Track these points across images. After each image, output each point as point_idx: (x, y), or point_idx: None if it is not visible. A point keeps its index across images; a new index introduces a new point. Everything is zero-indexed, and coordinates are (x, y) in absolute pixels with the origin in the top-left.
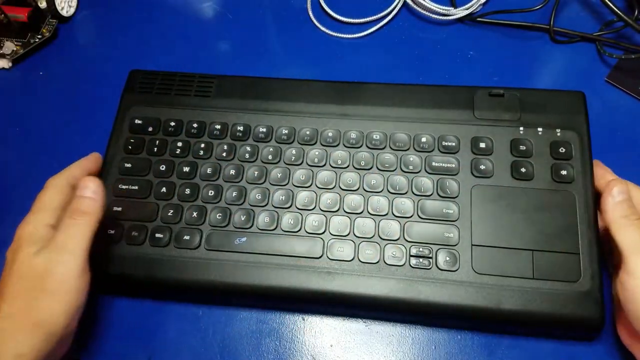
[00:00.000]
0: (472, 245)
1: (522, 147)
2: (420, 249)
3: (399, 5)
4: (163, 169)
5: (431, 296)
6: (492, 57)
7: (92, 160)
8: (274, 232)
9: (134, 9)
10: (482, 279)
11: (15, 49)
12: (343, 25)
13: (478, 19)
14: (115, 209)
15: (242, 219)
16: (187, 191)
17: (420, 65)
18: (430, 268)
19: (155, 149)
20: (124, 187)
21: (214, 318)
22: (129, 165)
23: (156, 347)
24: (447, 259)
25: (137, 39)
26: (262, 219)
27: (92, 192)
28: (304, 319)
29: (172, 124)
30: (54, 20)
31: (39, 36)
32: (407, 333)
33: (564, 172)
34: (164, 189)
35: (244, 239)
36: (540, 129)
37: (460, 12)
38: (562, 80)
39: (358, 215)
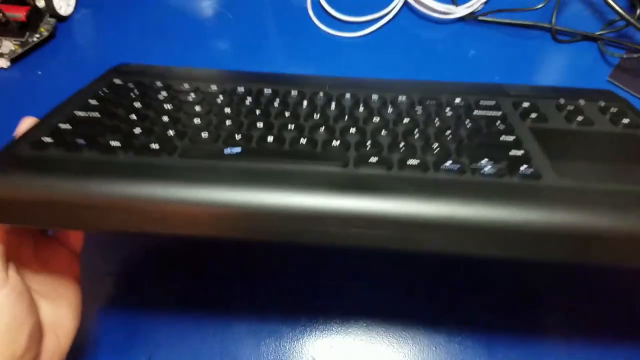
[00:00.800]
0: (550, 159)
1: (569, 107)
2: (486, 160)
3: (400, 4)
4: (138, 105)
5: (512, 212)
6: (494, 56)
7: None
8: (278, 148)
9: (133, 8)
10: (580, 185)
11: (13, 48)
12: (343, 24)
13: (479, 18)
14: (61, 126)
15: (237, 137)
16: (165, 118)
17: (421, 64)
18: (503, 175)
19: (133, 94)
20: (81, 114)
21: (213, 317)
22: (94, 102)
23: (156, 347)
24: (525, 166)
25: (136, 39)
26: (263, 136)
27: None
28: (304, 319)
29: (159, 84)
30: (52, 20)
31: (37, 35)
32: (407, 334)
33: (625, 121)
34: (133, 116)
35: (237, 149)
36: (582, 101)
37: (462, 11)
38: (563, 80)
39: (393, 140)
